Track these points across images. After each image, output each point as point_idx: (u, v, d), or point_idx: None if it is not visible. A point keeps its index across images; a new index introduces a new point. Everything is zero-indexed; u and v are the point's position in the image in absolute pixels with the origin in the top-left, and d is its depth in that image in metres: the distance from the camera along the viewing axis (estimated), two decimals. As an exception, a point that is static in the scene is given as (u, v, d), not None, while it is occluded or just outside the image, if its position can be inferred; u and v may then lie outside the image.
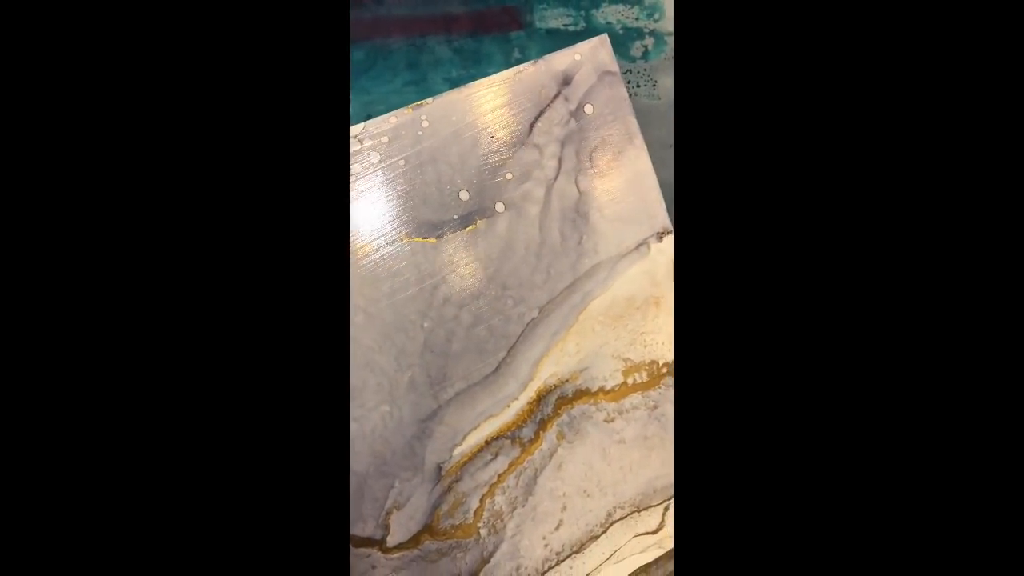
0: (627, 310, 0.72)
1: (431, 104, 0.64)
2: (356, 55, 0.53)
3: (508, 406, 0.68)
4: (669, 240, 0.73)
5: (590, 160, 0.69)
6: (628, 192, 0.71)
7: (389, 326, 0.63)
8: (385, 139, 0.63)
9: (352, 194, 0.61)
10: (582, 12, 0.57)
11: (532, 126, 0.67)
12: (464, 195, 0.65)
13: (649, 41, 0.69)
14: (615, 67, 0.69)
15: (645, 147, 0.70)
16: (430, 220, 0.65)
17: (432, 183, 0.65)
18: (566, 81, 0.68)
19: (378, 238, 0.63)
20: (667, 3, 0.66)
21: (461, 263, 0.65)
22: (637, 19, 0.61)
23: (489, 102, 0.66)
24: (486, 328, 0.66)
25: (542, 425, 0.69)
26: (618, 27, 0.59)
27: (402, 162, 0.64)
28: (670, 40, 0.68)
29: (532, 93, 0.67)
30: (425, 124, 0.64)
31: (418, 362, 0.64)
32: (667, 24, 0.67)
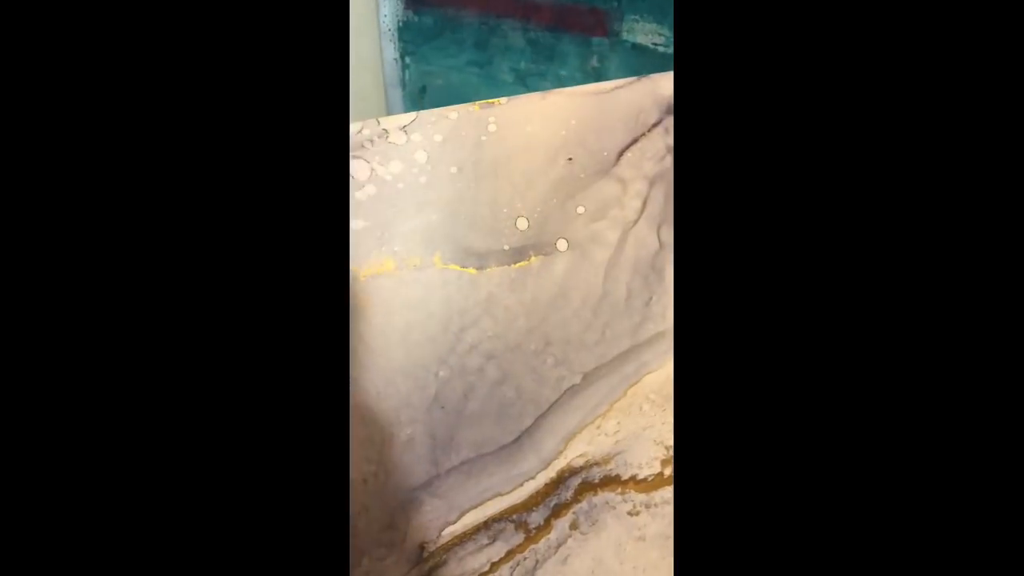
0: (684, 392, 0.58)
1: (504, 105, 0.51)
2: (424, 20, 0.48)
3: (521, 485, 0.55)
4: (752, 319, 0.59)
5: (682, 208, 0.56)
6: (718, 254, 0.57)
7: (396, 369, 0.51)
8: (439, 137, 0.51)
9: (380, 193, 0.49)
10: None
11: (620, 155, 0.54)
12: (523, 223, 0.53)
13: None
14: (740, 101, 0.55)
15: (752, 204, 0.57)
16: (474, 246, 0.52)
17: (486, 202, 0.52)
18: (670, 109, 0.55)
19: (403, 255, 0.51)
20: None
21: (501, 304, 0.53)
22: None
23: (575, 116, 0.53)
24: (514, 388, 0.54)
25: (556, 512, 0.57)
26: None
27: (454, 169, 0.51)
28: None
29: (627, 116, 0.54)
30: (492, 128, 0.51)
31: (423, 418, 0.51)
32: None
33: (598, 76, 0.48)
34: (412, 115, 0.50)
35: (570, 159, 0.54)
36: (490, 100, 0.51)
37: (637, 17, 0.48)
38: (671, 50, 0.50)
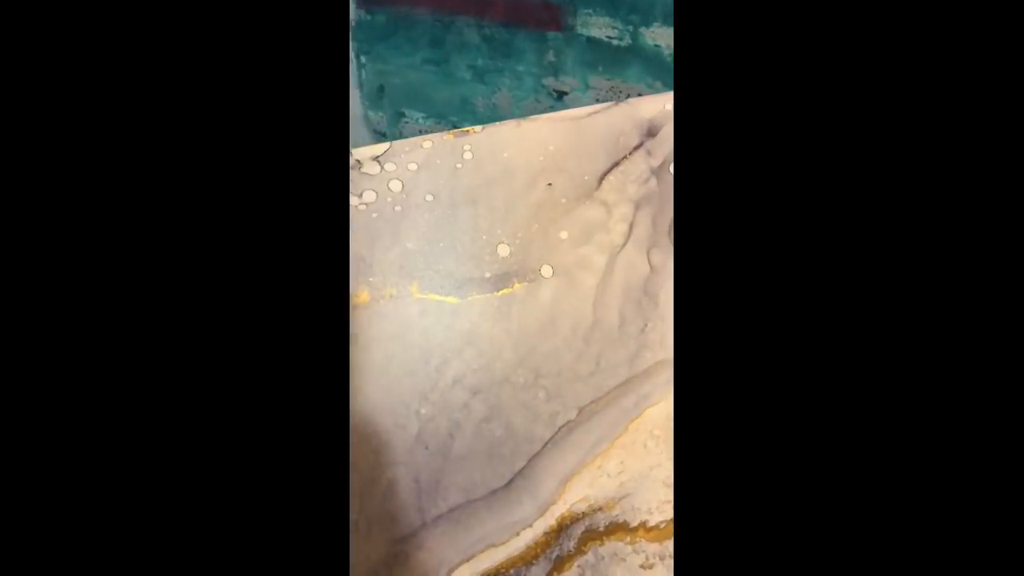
0: (691, 426, 0.54)
1: (479, 133, 0.51)
2: (378, 18, 0.48)
3: (518, 534, 0.51)
4: (757, 344, 0.56)
5: (669, 231, 0.55)
6: (713, 275, 0.55)
7: (374, 406, 0.48)
8: (414, 166, 0.50)
9: (357, 223, 0.48)
10: (630, 27, 0.52)
11: (602, 179, 0.53)
12: (504, 250, 0.51)
13: None
14: (720, 117, 0.55)
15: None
16: (454, 274, 0.50)
17: (466, 229, 0.51)
18: (651, 132, 0.55)
19: (378, 286, 0.49)
20: None
21: (485, 335, 0.50)
22: None
23: (553, 141, 0.52)
24: (503, 426, 0.50)
25: (558, 565, 0.52)
26: (667, 52, 0.54)
27: (430, 197, 0.50)
28: None
29: (608, 140, 0.54)
30: (468, 156, 0.51)
31: (405, 460, 0.48)
32: None
33: (555, 71, 0.48)
34: (385, 145, 0.50)
35: (550, 184, 0.53)
36: (465, 128, 0.51)
37: (590, 11, 0.49)
38: (625, 43, 0.50)
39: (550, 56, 0.48)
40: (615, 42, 0.50)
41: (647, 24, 0.52)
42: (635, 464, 0.54)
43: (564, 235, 0.53)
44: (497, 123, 0.51)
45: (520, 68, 0.49)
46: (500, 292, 0.51)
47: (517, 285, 0.51)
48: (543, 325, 0.52)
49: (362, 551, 0.47)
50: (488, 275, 0.51)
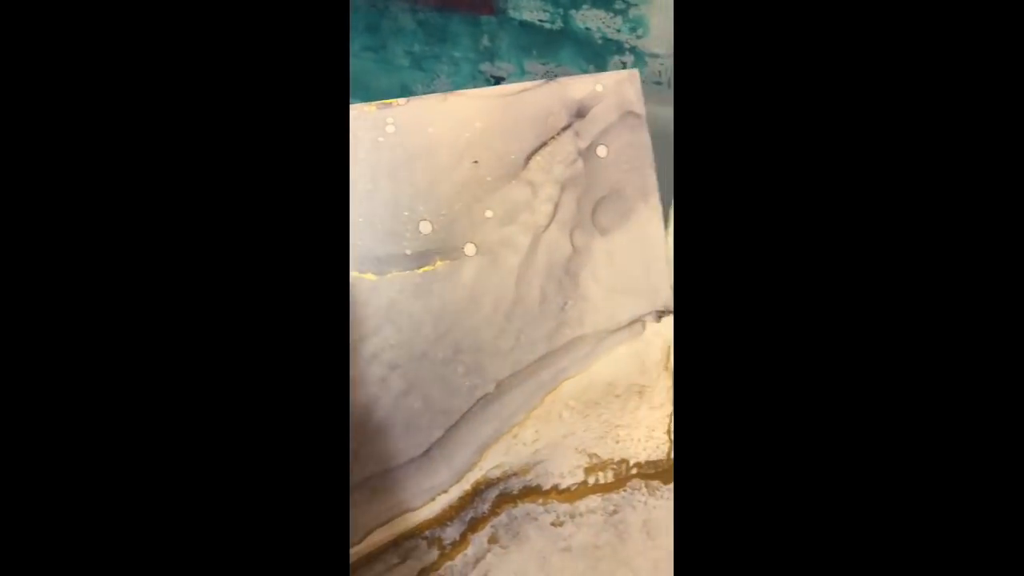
0: (604, 397, 0.58)
1: (403, 106, 0.50)
2: None
3: (433, 499, 0.53)
4: (668, 322, 0.60)
5: (593, 213, 0.56)
6: (631, 258, 0.58)
7: (291, 381, 0.48)
8: (334, 138, 0.49)
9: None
10: (560, 10, 0.52)
11: (529, 159, 0.53)
12: (426, 227, 0.51)
13: (629, 58, 0.62)
14: (642, 108, 0.56)
15: (660, 208, 0.57)
16: (373, 251, 0.50)
17: (386, 204, 0.50)
18: (580, 113, 0.55)
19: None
20: (652, 20, 0.58)
21: (404, 312, 0.51)
22: (619, 31, 0.56)
23: (480, 118, 0.52)
24: (421, 399, 0.52)
25: (472, 526, 0.55)
26: (597, 35, 0.55)
27: (351, 171, 0.49)
28: (652, 62, 0.61)
29: (536, 119, 0.54)
30: (390, 130, 0.50)
31: (322, 432, 0.49)
32: (651, 43, 0.59)
33: (490, 56, 0.48)
34: (304, 115, 0.48)
35: (476, 162, 0.52)
36: (388, 100, 0.50)
37: None
38: (557, 26, 0.51)
39: (485, 41, 0.48)
40: (547, 25, 0.50)
41: (576, 7, 0.52)
42: (550, 433, 0.57)
43: (489, 214, 0.53)
44: (421, 96, 0.50)
45: (456, 54, 0.48)
46: (421, 269, 0.52)
47: (439, 263, 0.52)
48: (464, 303, 0.53)
49: (277, 518, 0.49)
50: (409, 252, 0.51)
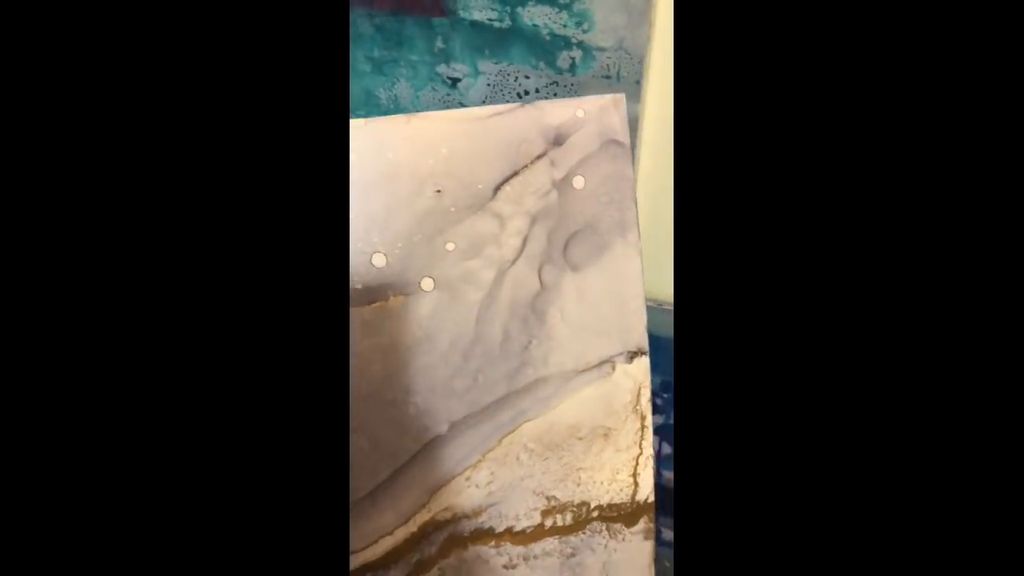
0: (566, 439, 0.56)
1: (362, 127, 0.46)
2: None
3: (376, 542, 0.51)
4: (641, 363, 0.57)
5: (565, 247, 0.53)
6: (604, 296, 0.54)
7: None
8: (281, 161, 0.45)
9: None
10: (508, 8, 0.51)
11: (498, 189, 0.50)
12: (379, 260, 0.48)
13: (577, 53, 0.60)
14: (626, 137, 0.52)
15: (639, 245, 0.54)
16: (320, 285, 0.47)
17: (336, 236, 0.46)
18: (557, 141, 0.51)
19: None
20: (596, 14, 0.58)
21: (352, 349, 0.47)
22: (565, 26, 0.55)
23: (446, 144, 0.48)
24: (367, 439, 0.49)
25: (418, 568, 0.53)
26: (544, 32, 0.53)
27: (299, 198, 0.45)
28: (600, 56, 0.60)
29: (508, 146, 0.50)
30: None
31: (255, 474, 0.46)
32: (597, 37, 0.58)
33: (446, 58, 0.47)
34: (249, 134, 0.44)
35: (439, 191, 0.49)
36: (343, 122, 0.46)
37: None
38: (506, 24, 0.51)
39: (439, 43, 0.47)
40: (496, 24, 0.48)
41: (522, 4, 0.50)
42: (506, 475, 0.54)
43: (451, 247, 0.50)
44: (382, 118, 0.46)
45: (414, 57, 0.46)
46: (373, 305, 0.48)
47: (393, 299, 0.49)
48: (418, 341, 0.50)
49: (202, 562, 0.46)
50: (360, 286, 0.48)
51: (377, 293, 0.48)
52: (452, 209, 0.49)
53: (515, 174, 0.51)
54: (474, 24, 0.47)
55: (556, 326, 0.54)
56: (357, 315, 0.48)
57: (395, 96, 0.52)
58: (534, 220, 0.52)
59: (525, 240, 0.52)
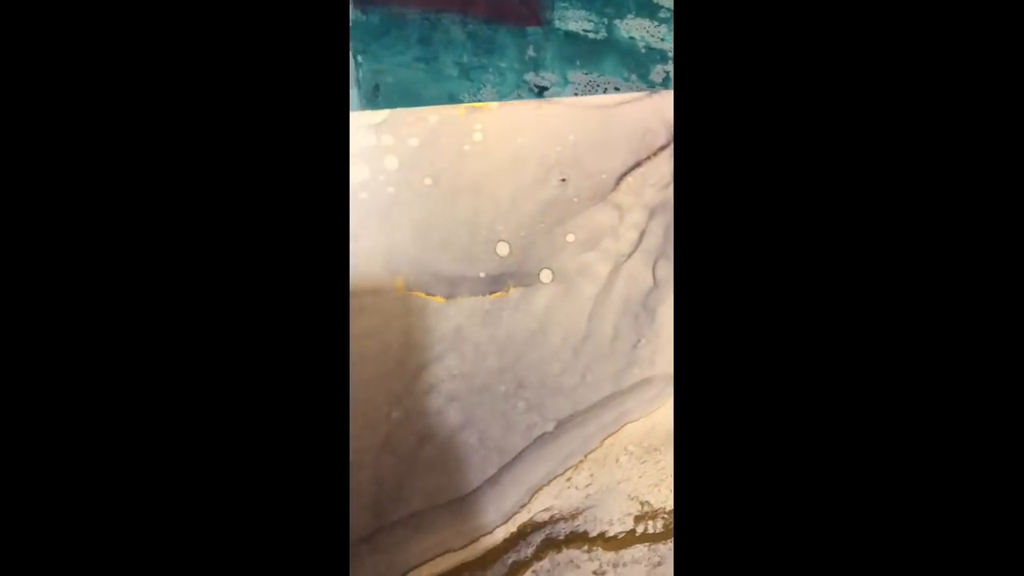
0: (664, 443, 0.54)
1: (494, 111, 0.44)
2: (372, 19, 0.47)
3: (476, 540, 0.49)
4: (746, 369, 0.54)
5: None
6: (717, 298, 0.52)
7: (343, 407, 0.43)
8: (415, 141, 0.43)
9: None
10: (604, 20, 0.51)
11: (621, 179, 0.48)
12: (503, 248, 0.46)
13: (671, 67, 0.60)
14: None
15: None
16: (446, 272, 0.45)
17: (465, 221, 0.45)
18: (687, 131, 0.49)
19: (360, 277, 0.43)
20: None
21: (470, 340, 0.46)
22: (663, 39, 0.56)
23: (574, 131, 0.46)
24: (477, 435, 0.47)
25: (514, 570, 0.51)
26: (640, 44, 0.54)
27: (429, 181, 0.44)
28: None
29: (633, 135, 0.48)
30: (478, 137, 0.44)
31: (369, 463, 0.44)
32: None
33: (536, 66, 0.46)
34: (384, 113, 0.42)
35: (564, 179, 0.47)
36: (477, 104, 0.44)
37: (567, 5, 0.48)
38: (601, 36, 0.50)
39: (530, 51, 0.48)
40: (591, 35, 0.49)
41: (621, 16, 0.52)
42: (604, 477, 0.52)
43: (571, 238, 0.48)
44: (515, 101, 0.44)
45: (503, 64, 0.47)
46: (493, 295, 0.47)
47: (513, 289, 0.47)
48: (533, 334, 0.48)
49: (313, 552, 0.45)
50: (483, 275, 0.46)
51: (498, 283, 0.47)
52: (575, 199, 0.47)
53: (638, 164, 0.49)
54: (568, 34, 0.48)
55: (665, 325, 0.52)
56: (478, 304, 0.46)
57: (478, 100, 0.52)
58: (652, 213, 0.50)
59: (642, 234, 0.50)
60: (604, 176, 0.48)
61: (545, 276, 0.48)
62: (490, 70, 0.49)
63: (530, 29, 0.49)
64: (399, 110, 0.43)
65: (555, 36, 0.50)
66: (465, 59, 0.48)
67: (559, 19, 0.50)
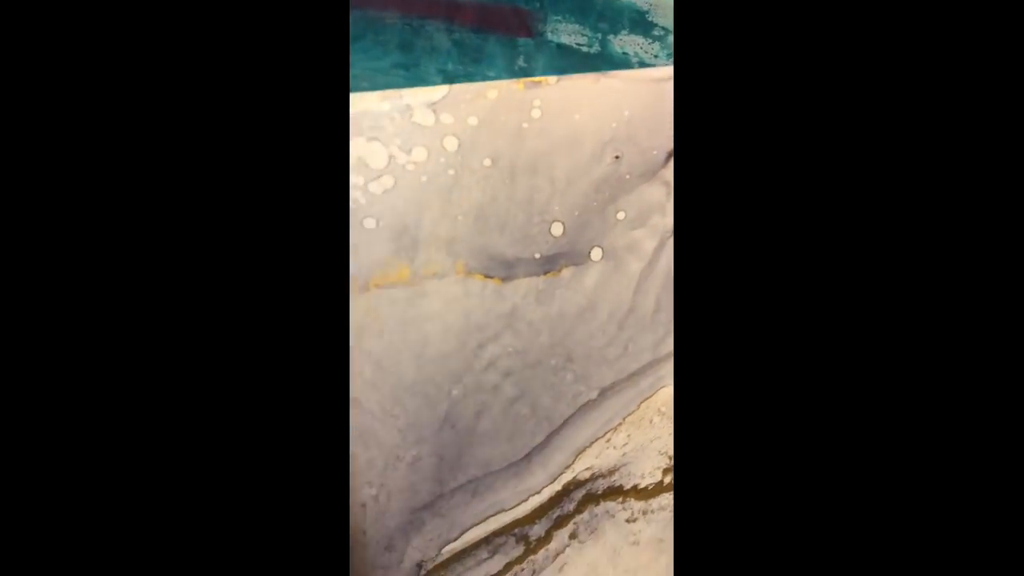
0: (695, 404, 0.56)
1: (552, 85, 0.43)
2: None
3: (526, 500, 0.52)
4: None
5: (728, 219, 0.51)
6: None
7: (406, 387, 0.45)
8: (474, 120, 0.42)
9: (398, 185, 0.41)
10: (598, 35, 0.51)
11: (671, 155, 0.47)
12: (558, 229, 0.46)
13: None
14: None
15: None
16: (503, 254, 0.45)
17: (522, 202, 0.45)
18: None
19: (422, 262, 0.43)
20: None
21: (525, 319, 0.47)
22: (656, 56, 0.55)
23: (628, 105, 0.45)
24: (529, 406, 0.49)
25: (558, 523, 0.55)
26: (634, 60, 0.53)
27: (488, 161, 0.43)
28: None
29: (691, 108, 0.47)
30: (537, 114, 0.43)
31: (431, 438, 0.46)
32: None
33: (526, 76, 0.47)
34: (444, 89, 0.41)
35: (618, 156, 0.46)
36: (539, 78, 0.42)
37: (560, 18, 0.47)
38: (595, 50, 0.50)
39: (520, 62, 0.46)
40: (584, 49, 0.48)
41: (615, 32, 0.49)
42: (639, 437, 0.56)
43: (621, 216, 0.48)
44: (575, 75, 0.43)
45: (491, 74, 0.45)
46: (547, 275, 0.47)
47: (565, 269, 0.47)
48: (582, 311, 0.49)
49: (381, 520, 0.47)
50: (538, 256, 0.46)
51: (551, 263, 0.47)
52: (627, 176, 0.47)
53: (689, 140, 0.49)
54: (561, 47, 0.46)
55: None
56: (533, 285, 0.47)
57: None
58: (699, 188, 0.50)
59: (689, 209, 0.50)
60: (655, 152, 0.48)
61: (596, 254, 0.48)
62: (477, 79, 0.48)
63: (520, 40, 0.48)
64: (458, 86, 0.41)
65: (547, 48, 0.49)
66: (450, 67, 0.46)
67: (551, 32, 0.48)
